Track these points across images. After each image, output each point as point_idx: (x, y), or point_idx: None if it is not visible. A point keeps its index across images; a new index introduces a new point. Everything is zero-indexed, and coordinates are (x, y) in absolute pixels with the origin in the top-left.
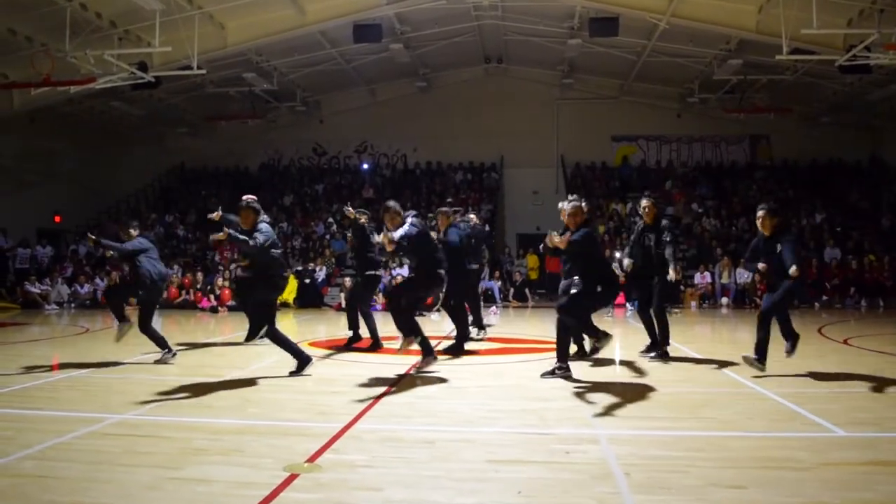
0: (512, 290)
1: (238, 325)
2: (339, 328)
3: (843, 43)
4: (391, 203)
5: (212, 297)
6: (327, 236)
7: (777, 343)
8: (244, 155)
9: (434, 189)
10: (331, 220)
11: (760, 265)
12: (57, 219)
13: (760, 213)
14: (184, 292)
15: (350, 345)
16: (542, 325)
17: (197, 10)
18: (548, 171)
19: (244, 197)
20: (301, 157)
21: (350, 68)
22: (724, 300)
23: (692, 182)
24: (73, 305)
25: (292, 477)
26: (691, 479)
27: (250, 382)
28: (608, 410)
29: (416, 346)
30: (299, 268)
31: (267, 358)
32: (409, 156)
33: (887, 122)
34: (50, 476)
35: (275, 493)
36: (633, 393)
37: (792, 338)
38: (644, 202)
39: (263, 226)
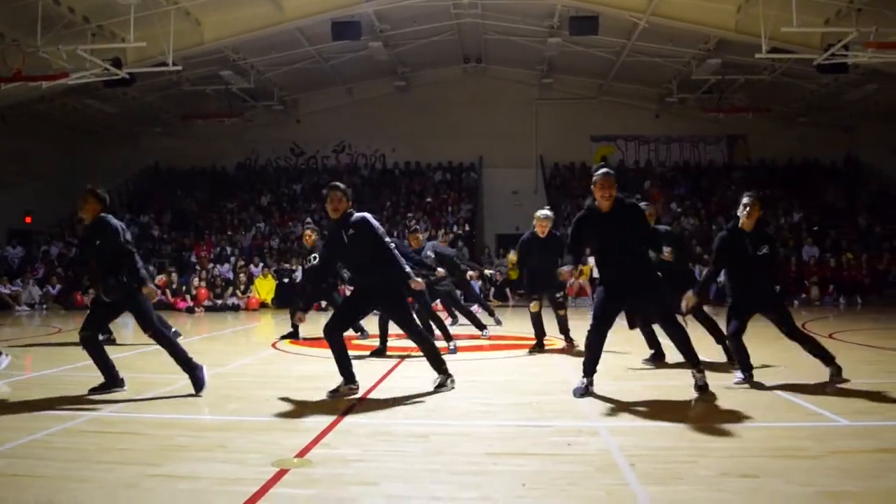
0: (493, 289)
1: (214, 326)
2: (318, 326)
3: (820, 42)
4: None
5: (188, 297)
6: None
7: (761, 340)
8: (220, 155)
9: (413, 189)
10: (309, 220)
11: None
12: (28, 219)
13: (749, 199)
14: (159, 292)
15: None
16: (523, 324)
17: (172, 5)
18: (527, 172)
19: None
20: (278, 157)
21: (328, 67)
22: None
23: (670, 182)
24: (44, 307)
25: (282, 472)
26: (701, 469)
27: (230, 380)
28: (605, 403)
29: None
30: (275, 267)
31: (247, 356)
32: (387, 156)
33: (862, 122)
34: (24, 475)
35: (265, 489)
36: (627, 387)
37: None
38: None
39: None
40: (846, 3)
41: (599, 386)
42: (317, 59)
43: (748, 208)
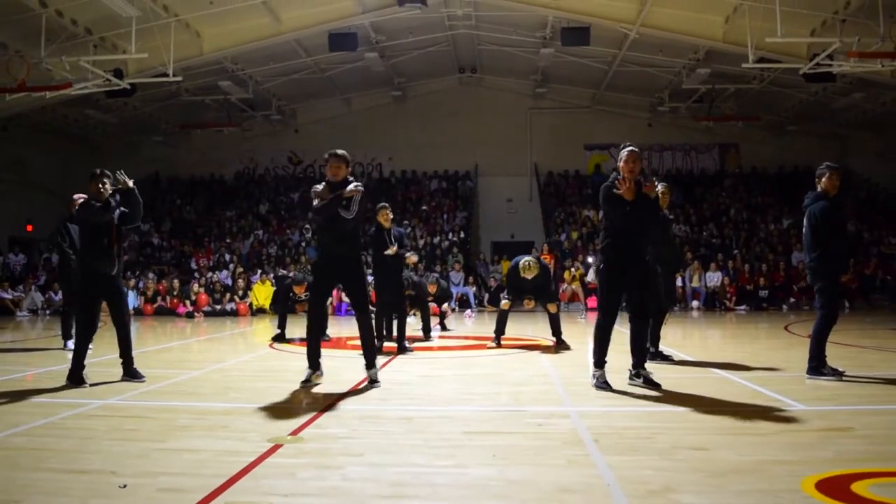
0: (487, 295)
1: (214, 329)
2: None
3: (806, 52)
4: None
5: (188, 302)
6: (303, 244)
7: (741, 340)
8: (219, 164)
9: (409, 197)
10: (307, 226)
11: None
12: (29, 228)
13: (830, 170)
14: (159, 298)
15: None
16: (515, 327)
17: (173, 17)
18: (521, 180)
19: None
20: (276, 167)
21: (325, 77)
22: (695, 303)
23: None
24: (47, 312)
25: (276, 447)
26: (658, 443)
27: (230, 374)
28: (579, 393)
29: None
30: (273, 274)
31: (246, 354)
32: (384, 165)
33: (851, 130)
34: (41, 449)
35: (260, 459)
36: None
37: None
38: None
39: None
40: (831, 14)
41: (577, 380)
42: (314, 69)
43: (834, 178)
